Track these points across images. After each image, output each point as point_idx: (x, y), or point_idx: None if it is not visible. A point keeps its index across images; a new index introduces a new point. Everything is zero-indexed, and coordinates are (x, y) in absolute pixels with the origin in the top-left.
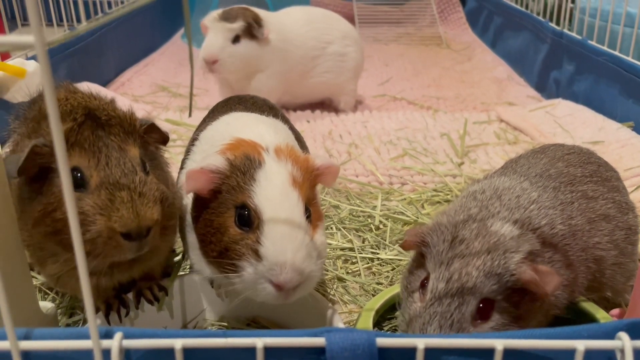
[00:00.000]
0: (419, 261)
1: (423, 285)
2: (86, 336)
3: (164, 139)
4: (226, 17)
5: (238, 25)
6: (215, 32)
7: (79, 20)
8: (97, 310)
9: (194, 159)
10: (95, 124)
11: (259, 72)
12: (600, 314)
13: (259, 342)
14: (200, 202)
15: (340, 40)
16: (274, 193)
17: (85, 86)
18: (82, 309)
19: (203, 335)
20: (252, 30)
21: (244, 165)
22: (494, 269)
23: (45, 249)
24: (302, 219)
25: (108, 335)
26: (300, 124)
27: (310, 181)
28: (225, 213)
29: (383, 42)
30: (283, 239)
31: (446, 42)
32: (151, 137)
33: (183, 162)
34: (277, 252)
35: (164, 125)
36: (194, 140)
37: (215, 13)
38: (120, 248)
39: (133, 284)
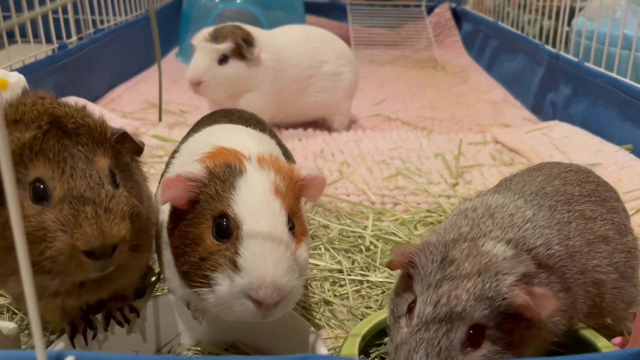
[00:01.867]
0: (407, 283)
1: (410, 310)
2: None
3: (137, 149)
4: (215, 37)
5: (225, 46)
6: (202, 52)
7: (69, 36)
8: (61, 332)
9: (172, 170)
10: (61, 132)
11: (248, 91)
12: (602, 343)
13: None
14: (177, 215)
15: (335, 60)
16: (255, 202)
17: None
18: (51, 330)
19: None
20: (241, 50)
21: (223, 173)
22: (485, 292)
23: (5, 265)
24: (284, 230)
25: (59, 359)
26: (291, 142)
27: (295, 192)
28: (202, 224)
29: (379, 63)
30: (264, 250)
31: (442, 65)
32: (124, 147)
33: (163, 175)
34: (257, 264)
35: (150, 141)
36: (174, 152)
37: (205, 32)
38: (83, 267)
39: (104, 305)
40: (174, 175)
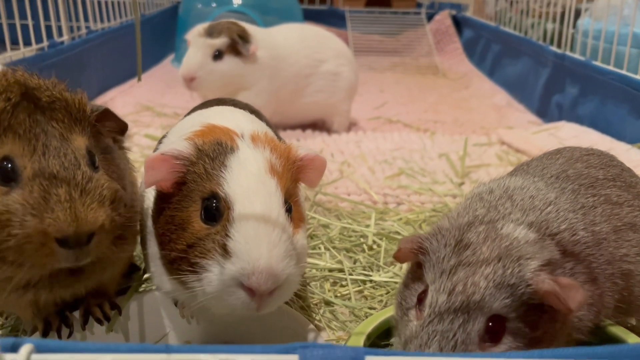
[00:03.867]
0: (416, 273)
1: (420, 301)
2: None
3: (121, 127)
4: (210, 33)
5: (220, 42)
6: (196, 47)
7: (60, 35)
8: (34, 330)
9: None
10: (33, 106)
11: (244, 89)
12: (632, 339)
13: (211, 359)
14: (163, 200)
15: (333, 59)
16: (248, 180)
17: None
18: (27, 330)
19: (139, 350)
20: (236, 46)
21: (213, 150)
22: (506, 278)
23: None
24: (280, 212)
25: (15, 348)
26: (289, 142)
27: (292, 173)
28: (190, 207)
29: (378, 70)
30: (257, 232)
31: (442, 71)
32: (105, 125)
33: None
34: (249, 248)
35: (143, 141)
36: (162, 138)
37: (200, 27)
38: (54, 256)
39: (83, 302)
40: (158, 154)
